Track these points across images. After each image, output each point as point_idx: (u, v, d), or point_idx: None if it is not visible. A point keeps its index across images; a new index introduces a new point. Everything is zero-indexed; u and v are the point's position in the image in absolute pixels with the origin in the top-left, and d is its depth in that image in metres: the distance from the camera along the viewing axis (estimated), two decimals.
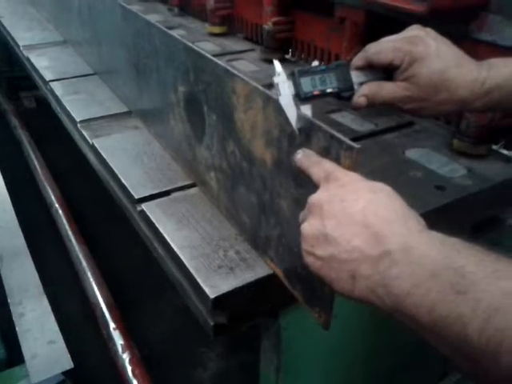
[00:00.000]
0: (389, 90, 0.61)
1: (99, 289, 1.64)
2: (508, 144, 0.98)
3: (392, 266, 0.41)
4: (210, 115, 0.73)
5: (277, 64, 0.55)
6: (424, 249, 0.40)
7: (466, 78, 0.60)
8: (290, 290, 0.63)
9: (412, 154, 0.97)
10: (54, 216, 2.01)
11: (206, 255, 0.69)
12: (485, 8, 0.86)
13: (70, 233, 1.90)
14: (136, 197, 0.82)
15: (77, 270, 1.74)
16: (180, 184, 0.86)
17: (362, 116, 1.12)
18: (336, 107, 1.15)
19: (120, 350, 1.45)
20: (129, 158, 0.94)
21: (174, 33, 1.79)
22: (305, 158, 0.52)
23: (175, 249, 0.70)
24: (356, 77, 0.62)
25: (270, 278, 0.66)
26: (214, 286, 0.63)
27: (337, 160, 0.49)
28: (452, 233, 0.88)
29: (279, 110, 0.55)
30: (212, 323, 0.64)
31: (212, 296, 0.62)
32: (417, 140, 1.02)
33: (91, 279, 1.67)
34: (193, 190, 0.85)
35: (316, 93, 0.58)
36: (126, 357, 1.42)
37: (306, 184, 0.53)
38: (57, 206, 2.06)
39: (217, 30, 1.70)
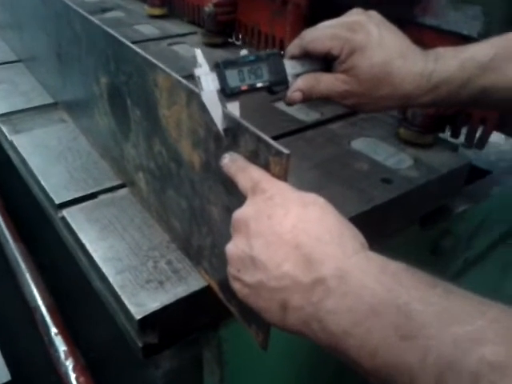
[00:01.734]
0: (326, 83, 0.55)
1: (39, 291, 1.53)
2: (455, 132, 0.95)
3: (327, 296, 0.35)
4: (133, 110, 0.66)
5: (198, 53, 0.48)
6: (361, 277, 0.35)
7: (411, 70, 0.55)
8: (225, 304, 0.57)
9: (358, 144, 0.93)
10: None
11: (133, 268, 0.62)
12: None
13: (5, 231, 1.77)
14: (57, 202, 0.74)
15: (14, 272, 1.62)
16: (108, 185, 0.78)
17: (308, 104, 1.06)
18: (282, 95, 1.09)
19: (63, 356, 1.35)
20: (51, 156, 0.85)
21: (111, 15, 1.69)
22: (231, 163, 0.45)
23: (98, 262, 0.63)
24: (290, 68, 0.55)
25: (205, 291, 0.60)
26: (141, 304, 0.57)
27: (266, 166, 0.43)
28: (401, 226, 0.86)
29: (203, 108, 0.48)
30: (140, 344, 0.58)
31: (138, 317, 0.55)
32: (363, 129, 0.97)
33: (30, 281, 1.56)
34: (122, 192, 0.77)
35: (244, 88, 0.51)
36: (69, 364, 1.33)
37: (237, 191, 0.47)
38: None
39: (157, 11, 1.60)
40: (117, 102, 0.70)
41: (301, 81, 0.55)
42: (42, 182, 0.78)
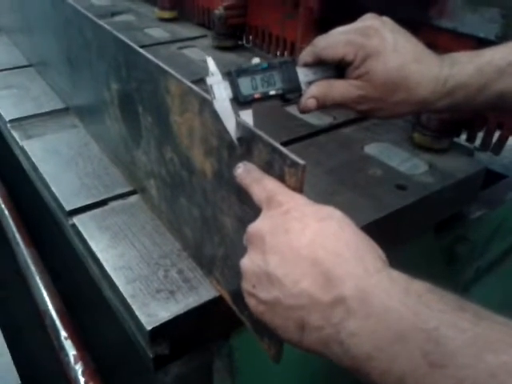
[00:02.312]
0: (340, 89, 0.54)
1: (49, 295, 1.53)
2: (470, 136, 0.93)
3: (348, 317, 0.33)
4: (145, 117, 0.65)
5: (210, 62, 0.47)
6: (385, 298, 0.33)
7: (426, 75, 0.53)
8: (237, 315, 0.56)
9: (371, 149, 0.91)
10: None
11: (144, 277, 0.61)
12: None
13: (17, 235, 1.77)
14: (67, 208, 0.73)
15: (24, 275, 1.62)
16: (119, 191, 0.77)
17: None
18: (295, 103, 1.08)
19: (72, 360, 1.35)
20: (62, 162, 0.84)
21: (121, 19, 1.68)
22: (246, 173, 0.44)
23: (108, 271, 0.62)
24: (304, 75, 0.54)
25: (217, 302, 0.59)
26: (152, 314, 0.56)
27: (280, 177, 0.42)
28: (415, 233, 0.84)
29: (216, 116, 0.47)
30: (152, 355, 0.57)
31: (149, 327, 0.54)
32: (376, 134, 0.96)
33: (40, 284, 1.56)
34: (133, 198, 0.76)
35: (257, 96, 0.50)
36: (78, 368, 1.32)
37: (251, 203, 0.46)
38: (2, 206, 1.92)
39: (167, 14, 1.59)
40: (128, 108, 0.69)
41: (314, 88, 0.54)
42: (53, 189, 0.78)
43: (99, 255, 0.65)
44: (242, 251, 0.43)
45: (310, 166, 0.85)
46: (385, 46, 0.52)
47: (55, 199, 0.77)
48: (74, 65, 0.90)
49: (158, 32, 1.50)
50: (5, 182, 2.02)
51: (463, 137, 0.96)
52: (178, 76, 0.54)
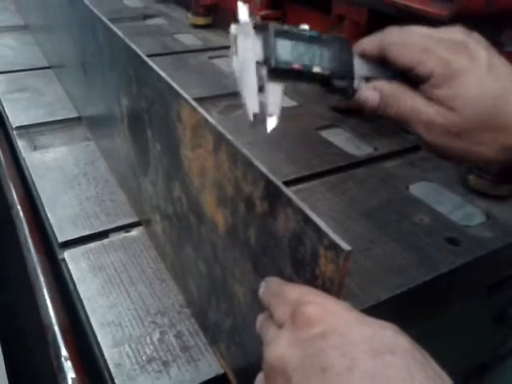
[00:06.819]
0: (414, 102, 0.40)
1: (54, 309, 1.45)
2: None
3: None
4: (154, 143, 0.54)
5: (241, 8, 0.35)
6: None
7: None
8: None
9: (417, 189, 0.78)
10: (13, 219, 1.81)
11: (135, 339, 0.50)
12: None
13: (29, 240, 1.71)
14: (60, 239, 0.63)
15: (32, 284, 1.55)
16: (121, 222, 0.67)
17: (360, 135, 0.93)
18: (329, 122, 0.96)
19: None
20: (64, 181, 0.75)
21: (152, 22, 1.60)
22: (266, 290, 0.33)
23: (94, 326, 0.52)
24: (360, 67, 0.40)
25: (220, 381, 0.47)
26: None
27: (312, 258, 0.30)
28: (464, 296, 0.71)
29: (234, 160, 0.36)
30: None
31: None
32: (424, 171, 0.83)
33: (46, 296, 1.48)
34: (136, 232, 0.66)
35: (296, 66, 0.37)
36: None
37: (270, 275, 0.35)
38: (18, 207, 1.86)
39: (200, 21, 1.50)
40: (137, 129, 0.59)
41: (385, 82, 0.41)
42: (48, 213, 0.68)
43: (86, 304, 0.55)
44: (254, 333, 0.33)
45: (345, 205, 0.74)
46: (479, 67, 0.39)
47: (49, 225, 0.68)
48: (87, 71, 0.80)
49: (190, 39, 1.41)
50: (25, 183, 1.96)
51: None
52: (193, 102, 0.43)
